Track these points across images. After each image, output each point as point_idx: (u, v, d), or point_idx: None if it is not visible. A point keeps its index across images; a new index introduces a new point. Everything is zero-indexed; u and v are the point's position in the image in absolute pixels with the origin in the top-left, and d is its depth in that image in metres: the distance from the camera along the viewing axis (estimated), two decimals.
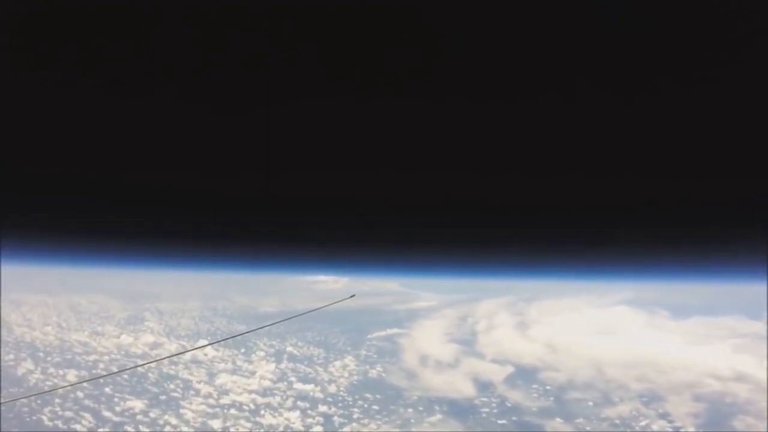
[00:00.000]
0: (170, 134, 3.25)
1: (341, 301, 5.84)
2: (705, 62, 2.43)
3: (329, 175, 3.65)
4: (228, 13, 2.32)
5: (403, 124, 3.03)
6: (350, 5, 2.26)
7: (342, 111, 2.98)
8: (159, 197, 4.10)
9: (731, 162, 3.03)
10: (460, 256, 5.33)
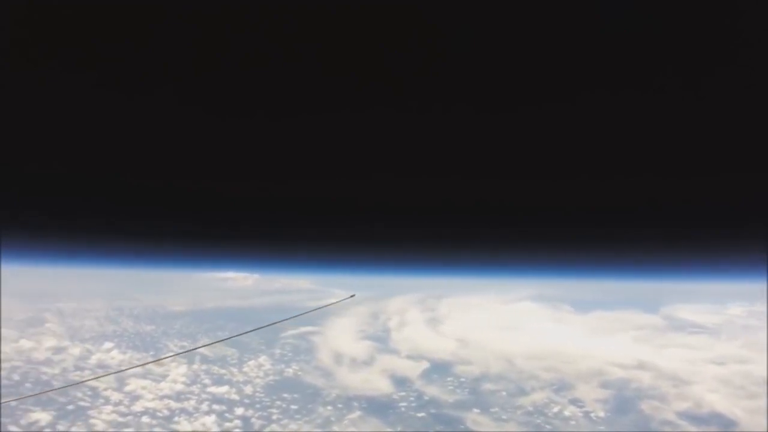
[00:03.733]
0: (170, 135, 3.25)
1: (341, 301, 5.83)
2: (705, 62, 2.43)
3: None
4: (227, 15, 2.32)
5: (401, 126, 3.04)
6: (352, 7, 2.25)
7: (338, 113, 2.98)
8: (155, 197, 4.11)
9: (731, 162, 3.04)
10: (376, 253, 5.38)
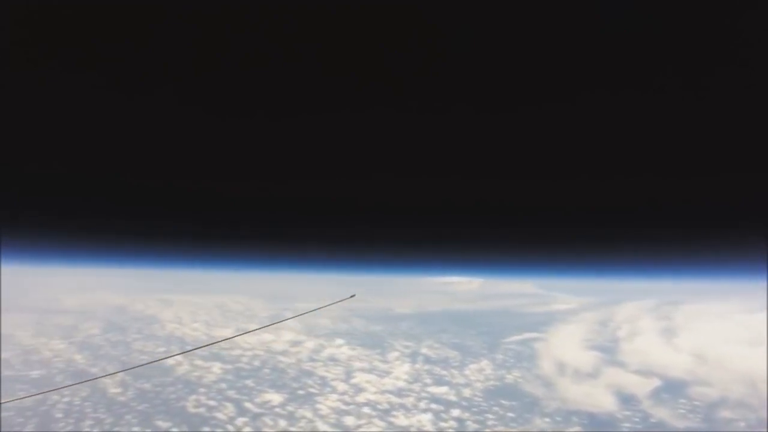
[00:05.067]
0: (170, 135, 3.25)
1: (341, 301, 5.83)
2: (705, 62, 2.42)
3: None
4: (227, 15, 2.32)
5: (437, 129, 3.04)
6: (353, 8, 2.25)
7: (341, 113, 2.98)
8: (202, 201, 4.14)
9: (731, 161, 3.03)
10: (376, 252, 5.39)
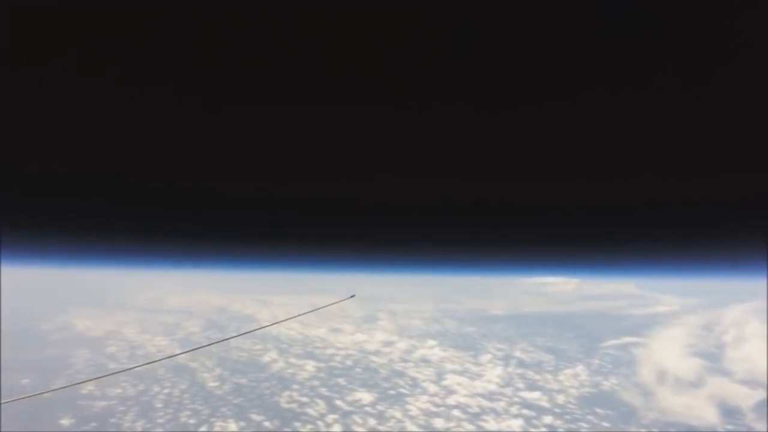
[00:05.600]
0: (170, 135, 3.25)
1: (341, 301, 5.83)
2: (705, 62, 2.43)
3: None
4: (227, 15, 2.32)
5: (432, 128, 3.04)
6: (353, 8, 2.25)
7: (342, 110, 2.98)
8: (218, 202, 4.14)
9: (731, 161, 3.04)
10: (376, 252, 5.37)
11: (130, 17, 2.34)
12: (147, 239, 5.11)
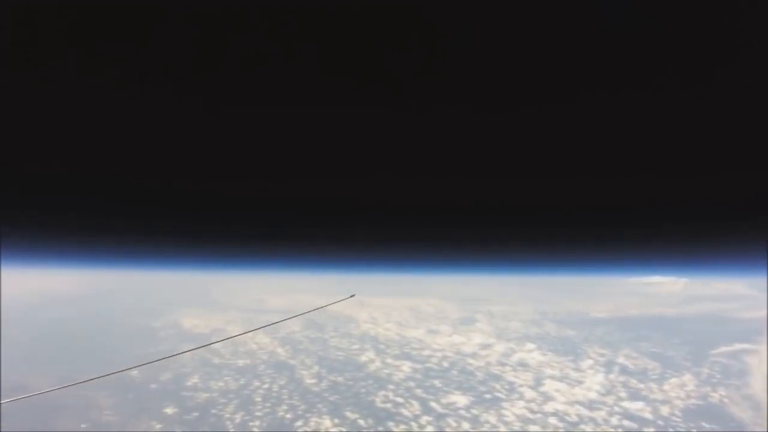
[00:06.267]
0: (170, 135, 3.25)
1: (341, 301, 5.83)
2: (705, 62, 2.42)
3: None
4: (227, 15, 2.32)
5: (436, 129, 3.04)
6: (353, 8, 2.25)
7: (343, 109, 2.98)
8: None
9: (731, 161, 3.04)
10: (376, 252, 5.36)
11: (130, 17, 2.34)
12: (147, 239, 5.11)
